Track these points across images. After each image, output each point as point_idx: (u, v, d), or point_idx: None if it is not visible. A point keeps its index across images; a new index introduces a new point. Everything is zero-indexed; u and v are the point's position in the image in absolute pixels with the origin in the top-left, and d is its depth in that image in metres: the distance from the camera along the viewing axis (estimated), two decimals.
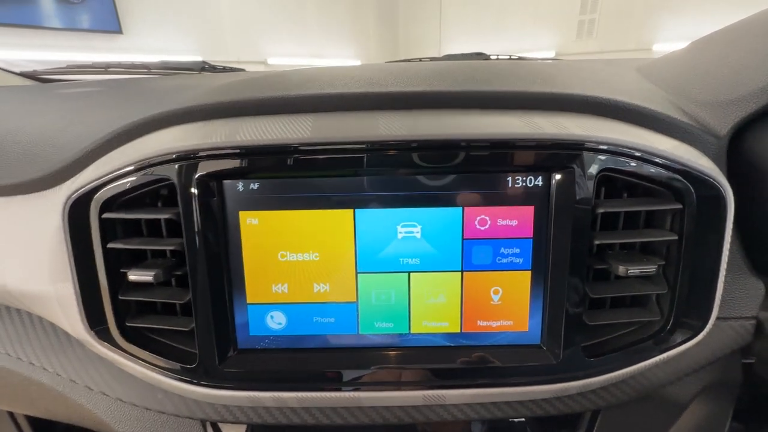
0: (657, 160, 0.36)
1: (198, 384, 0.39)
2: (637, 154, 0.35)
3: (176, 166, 0.35)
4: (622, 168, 0.36)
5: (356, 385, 0.39)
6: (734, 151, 0.40)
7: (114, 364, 0.43)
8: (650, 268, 0.36)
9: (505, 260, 0.39)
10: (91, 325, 0.40)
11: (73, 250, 0.39)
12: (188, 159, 0.35)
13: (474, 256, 0.39)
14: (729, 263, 0.40)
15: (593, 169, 0.35)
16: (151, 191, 0.38)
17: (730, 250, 0.40)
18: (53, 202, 0.40)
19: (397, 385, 0.39)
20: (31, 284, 0.42)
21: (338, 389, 0.39)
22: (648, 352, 0.39)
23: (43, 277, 0.41)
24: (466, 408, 0.40)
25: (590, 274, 0.38)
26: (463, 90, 0.39)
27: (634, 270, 0.36)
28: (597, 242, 0.36)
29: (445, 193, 0.37)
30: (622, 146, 0.35)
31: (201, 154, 0.35)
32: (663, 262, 0.37)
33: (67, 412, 0.48)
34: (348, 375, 0.39)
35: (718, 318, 0.40)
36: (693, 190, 0.36)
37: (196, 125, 0.39)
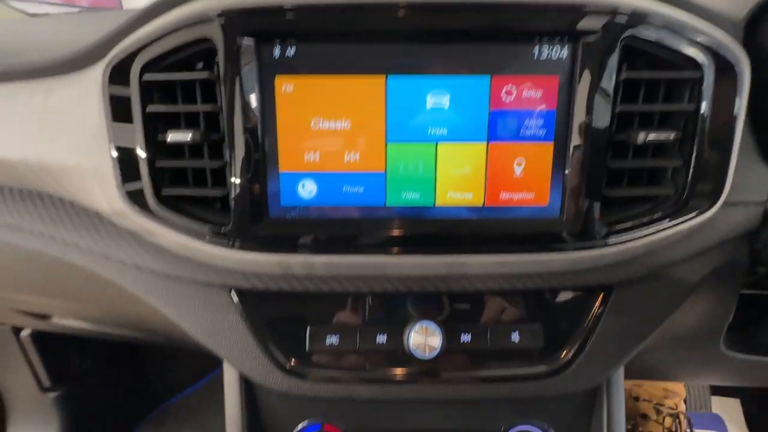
0: (679, 28, 0.37)
1: (230, 247, 0.41)
2: (661, 21, 0.37)
3: (217, 24, 0.37)
4: (646, 37, 0.37)
5: (382, 250, 0.41)
6: (749, 38, 0.41)
7: (145, 240, 0.45)
8: (668, 135, 0.38)
9: (529, 132, 0.40)
10: (128, 194, 0.42)
11: (113, 116, 0.40)
12: (230, 16, 0.36)
13: (499, 127, 0.40)
14: (741, 149, 0.41)
15: (618, 37, 0.37)
16: (191, 57, 0.39)
17: (743, 137, 0.42)
18: (93, 77, 0.41)
19: (421, 250, 0.41)
20: (69, 157, 0.43)
21: (365, 253, 0.41)
22: (661, 226, 0.41)
23: (81, 149, 0.43)
24: (487, 279, 0.42)
25: (610, 147, 0.40)
26: None
27: (653, 136, 0.38)
28: (619, 110, 0.38)
29: (473, 59, 0.38)
30: (648, 13, 0.37)
31: (243, 9, 0.36)
32: (680, 135, 0.39)
33: (95, 294, 0.49)
34: (374, 240, 0.41)
35: (727, 202, 0.42)
36: (712, 61, 0.38)
37: None
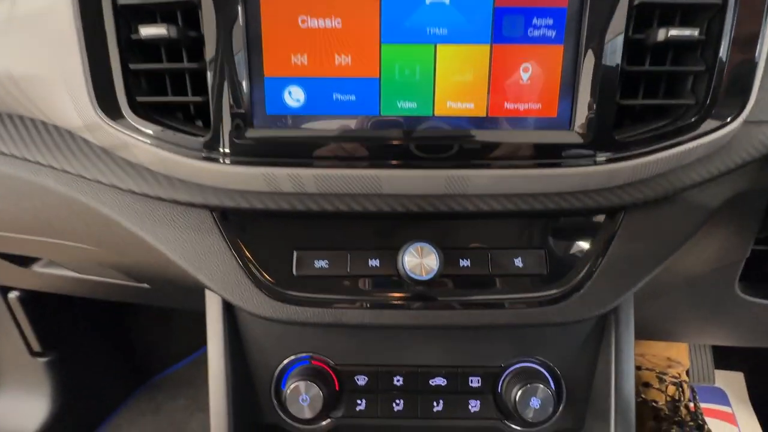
0: None
1: (211, 160, 0.38)
2: None
3: None
4: None
5: (376, 163, 0.37)
6: None
7: (122, 158, 0.42)
8: (691, 33, 0.34)
9: (537, 32, 0.37)
10: (100, 103, 0.39)
11: (81, 13, 0.37)
12: None
13: (505, 26, 0.37)
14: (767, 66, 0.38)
15: None
16: None
17: None
18: None
19: (418, 164, 0.37)
20: (38, 67, 0.40)
21: (357, 167, 0.37)
22: (680, 139, 0.37)
23: (51, 57, 0.39)
24: (489, 199, 0.39)
25: (627, 49, 0.37)
26: None
27: (674, 33, 0.34)
28: (637, 1, 0.34)
29: None
30: None
31: None
32: (703, 35, 0.35)
33: (69, 220, 0.46)
34: (368, 153, 0.38)
35: (750, 120, 0.39)
36: None
37: None
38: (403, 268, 0.38)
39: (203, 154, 0.38)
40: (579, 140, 0.37)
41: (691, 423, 0.90)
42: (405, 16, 0.36)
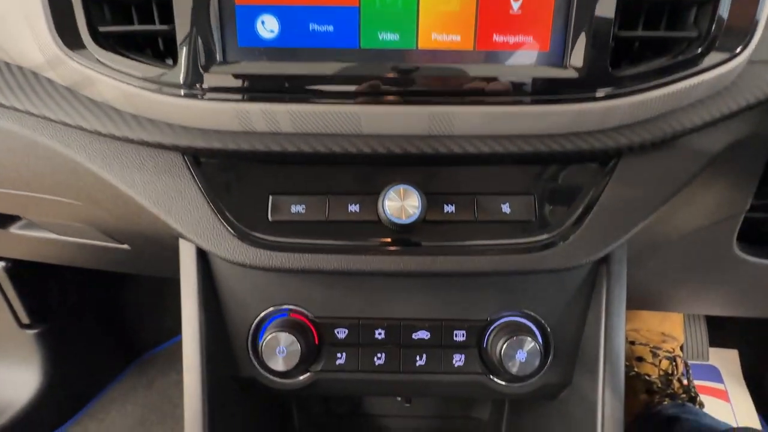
0: None
1: (179, 95, 0.35)
2: None
3: None
4: None
5: (355, 99, 0.35)
6: None
7: (87, 98, 0.39)
8: None
9: None
10: (60, 34, 0.36)
11: None
12: None
13: None
14: None
15: None
16: None
17: None
18: None
19: (401, 101, 0.35)
20: None
21: (335, 103, 0.35)
22: (680, 74, 0.35)
23: None
24: (476, 141, 0.37)
25: None
26: None
27: None
28: None
29: None
30: None
31: None
32: None
33: (37, 168, 0.44)
34: (346, 89, 0.35)
35: (754, 60, 0.37)
36: None
37: None
38: (384, 211, 0.36)
39: (170, 90, 0.35)
40: (573, 75, 0.35)
41: (684, 396, 0.90)
42: None
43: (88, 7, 0.35)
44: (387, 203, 0.36)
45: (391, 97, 0.35)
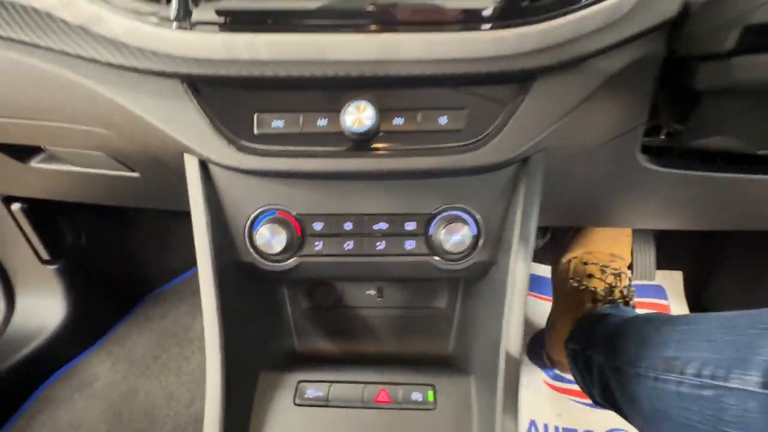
0: None
1: (175, 28, 0.44)
2: None
3: None
4: None
5: (320, 29, 0.44)
6: None
7: (98, 34, 0.47)
8: None
9: None
10: None
11: None
12: None
13: None
14: None
15: None
16: None
17: None
18: None
19: (357, 29, 0.44)
20: None
21: (303, 32, 0.44)
22: (579, 5, 0.44)
23: None
24: (417, 64, 0.46)
25: None
26: None
27: None
28: None
29: None
30: None
31: None
32: None
33: (57, 97, 0.53)
34: (311, 20, 0.44)
35: None
36: None
37: None
38: (345, 123, 0.46)
39: (167, 23, 0.44)
40: (491, 7, 0.43)
41: (620, 301, 1.05)
42: None
43: None
44: (347, 117, 0.46)
45: (348, 29, 0.44)
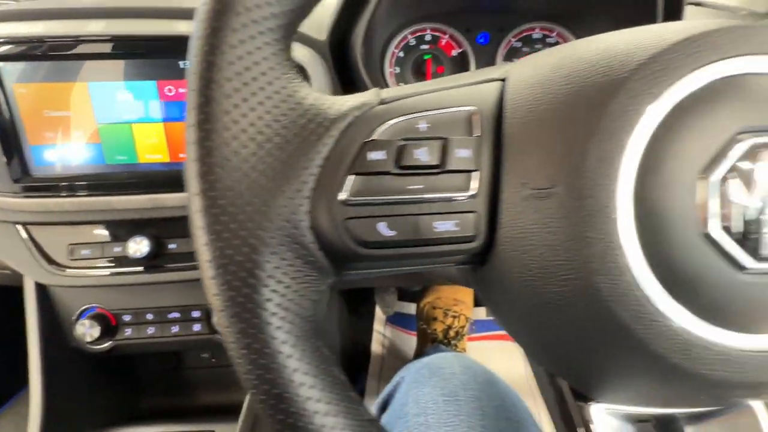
0: None
1: (6, 196, 0.64)
2: None
3: None
4: None
5: (108, 193, 0.65)
6: None
7: None
8: None
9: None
10: None
11: None
12: None
13: (168, 111, 0.65)
14: None
15: None
16: None
17: None
18: None
19: (132, 191, 0.66)
20: None
21: (97, 196, 0.65)
22: None
23: None
24: (179, 209, 0.68)
25: None
26: None
27: None
28: None
29: (141, 71, 0.62)
30: None
31: None
32: None
33: None
34: (103, 187, 0.66)
35: None
36: None
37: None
38: (130, 251, 0.67)
39: (2, 192, 0.64)
40: None
41: (453, 338, 1.28)
42: (109, 108, 0.63)
43: None
44: (131, 246, 0.67)
45: (126, 191, 0.66)
